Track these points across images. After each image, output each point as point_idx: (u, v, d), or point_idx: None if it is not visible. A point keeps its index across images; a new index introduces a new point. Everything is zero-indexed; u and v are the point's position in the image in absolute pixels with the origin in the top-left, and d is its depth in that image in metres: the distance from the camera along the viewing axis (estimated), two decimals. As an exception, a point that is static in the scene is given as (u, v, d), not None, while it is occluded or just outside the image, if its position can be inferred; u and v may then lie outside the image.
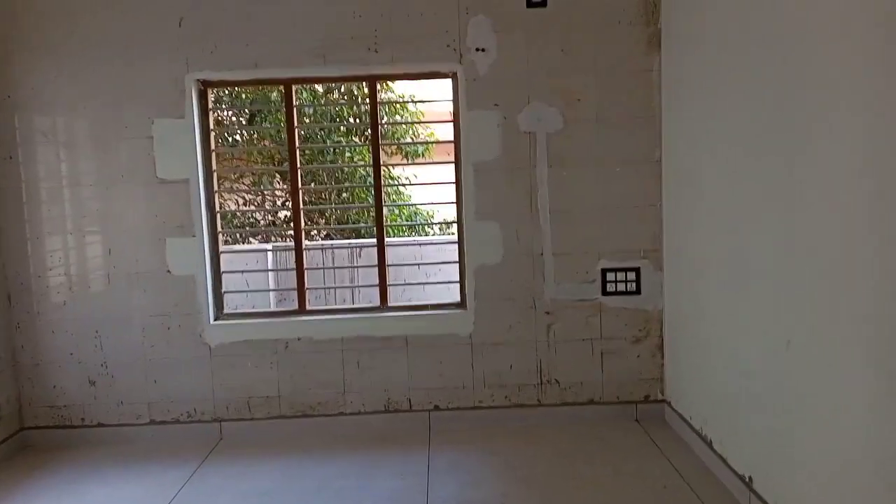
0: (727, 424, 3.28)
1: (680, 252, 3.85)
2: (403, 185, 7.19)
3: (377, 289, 4.22)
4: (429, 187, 4.64)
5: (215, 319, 4.15)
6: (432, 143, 7.53)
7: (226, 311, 4.22)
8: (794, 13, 2.54)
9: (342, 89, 7.76)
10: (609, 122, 4.03)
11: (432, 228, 7.98)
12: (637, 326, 4.13)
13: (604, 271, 4.11)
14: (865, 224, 2.15)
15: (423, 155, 7.70)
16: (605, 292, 4.12)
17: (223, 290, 4.21)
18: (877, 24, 2.07)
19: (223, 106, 7.29)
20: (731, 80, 3.11)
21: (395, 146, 7.59)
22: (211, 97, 4.19)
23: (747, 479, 3.03)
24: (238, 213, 7.88)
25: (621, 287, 4.12)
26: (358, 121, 7.52)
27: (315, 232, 7.94)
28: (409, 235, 7.71)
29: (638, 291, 4.12)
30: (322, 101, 7.74)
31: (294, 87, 4.19)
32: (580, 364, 4.14)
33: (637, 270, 4.12)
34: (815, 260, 2.44)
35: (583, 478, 3.40)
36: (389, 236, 6.25)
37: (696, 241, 3.60)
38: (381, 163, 4.23)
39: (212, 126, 4.19)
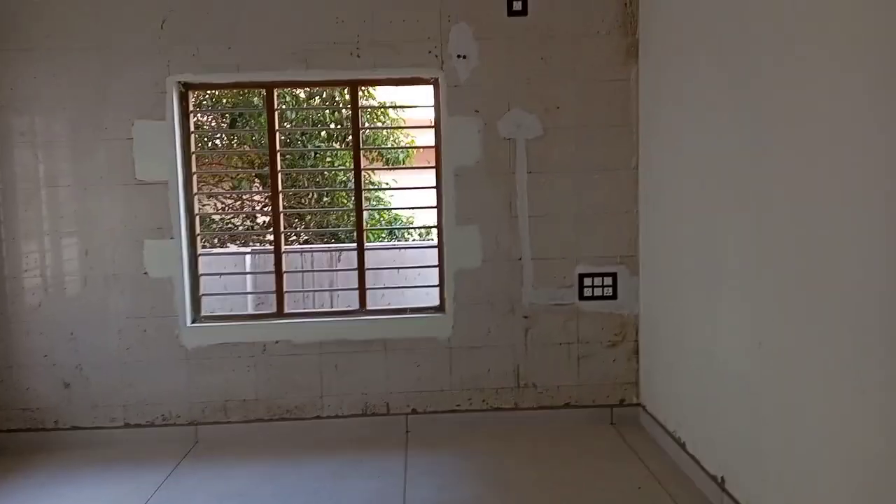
0: (700, 426, 3.33)
1: (655, 257, 3.91)
2: (383, 189, 7.20)
3: (356, 293, 4.23)
4: (409, 192, 4.67)
5: (192, 322, 4.13)
6: (413, 148, 7.57)
7: (203, 314, 4.20)
8: (764, 26, 2.61)
9: (324, 95, 7.77)
10: (587, 130, 4.08)
11: (412, 233, 8.00)
12: (613, 331, 4.19)
13: (581, 276, 4.16)
14: (831, 230, 2.22)
15: (403, 161, 7.74)
16: (582, 297, 4.17)
17: (201, 293, 4.19)
18: (843, 38, 2.14)
19: (204, 109, 7.27)
20: (704, 90, 3.18)
21: (376, 152, 7.63)
22: (192, 100, 4.19)
23: (720, 480, 3.08)
24: (218, 217, 7.84)
25: (598, 292, 4.17)
26: (339, 126, 7.54)
27: (294, 237, 7.93)
28: (389, 240, 7.73)
29: (614, 296, 4.18)
30: (304, 106, 7.75)
31: (276, 91, 4.21)
32: (557, 368, 4.18)
33: (613, 276, 4.17)
34: (785, 264, 2.51)
35: (558, 480, 3.43)
36: (370, 241, 6.27)
37: (670, 246, 3.67)
38: (362, 167, 4.25)
39: (192, 128, 4.19)
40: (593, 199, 4.12)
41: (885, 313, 1.97)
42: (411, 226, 7.37)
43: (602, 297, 4.18)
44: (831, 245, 2.22)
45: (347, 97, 4.35)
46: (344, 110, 7.51)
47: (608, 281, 4.17)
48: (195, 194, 4.19)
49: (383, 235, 7.82)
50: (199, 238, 4.20)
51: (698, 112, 3.25)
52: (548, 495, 3.27)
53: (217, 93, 7.32)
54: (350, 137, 4.31)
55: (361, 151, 4.25)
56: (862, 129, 2.06)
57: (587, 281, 4.17)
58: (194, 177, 4.18)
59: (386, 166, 7.66)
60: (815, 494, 2.35)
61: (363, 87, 5.33)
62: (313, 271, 5.27)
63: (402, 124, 7.36)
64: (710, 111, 3.11)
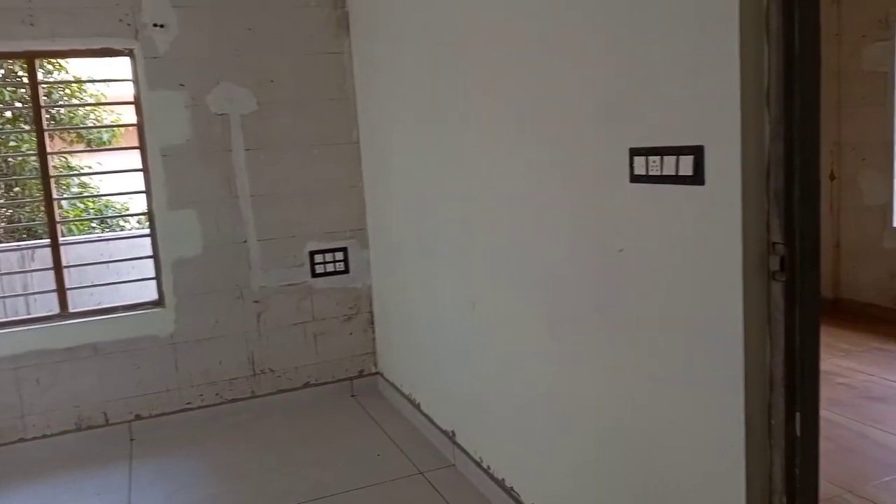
0: (432, 387, 3.49)
1: (381, 229, 3.98)
2: (76, 174, 6.36)
3: (55, 295, 3.71)
4: (115, 176, 4.17)
5: None
6: (116, 127, 6.80)
7: None
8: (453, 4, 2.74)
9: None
10: (305, 104, 3.99)
11: (128, 221, 7.23)
12: (348, 305, 4.20)
13: (311, 253, 4.09)
14: (528, 196, 2.41)
15: (109, 142, 6.92)
16: (314, 274, 4.11)
17: None
18: (519, 20, 2.31)
19: None
20: (409, 62, 3.26)
21: (77, 133, 6.73)
22: None
23: (451, 434, 3.26)
24: None
25: (330, 268, 4.15)
26: (23, 105, 6.51)
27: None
28: (101, 231, 6.90)
29: (346, 271, 4.19)
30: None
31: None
32: (294, 349, 4.09)
33: (344, 250, 4.17)
34: (490, 228, 2.68)
35: (299, 462, 3.37)
36: (72, 234, 5.54)
37: (393, 217, 3.75)
38: (57, 151, 3.70)
39: None
40: (318, 174, 4.06)
41: (576, 278, 2.19)
42: (116, 214, 6.64)
43: (335, 273, 4.17)
44: (528, 210, 2.42)
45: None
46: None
47: (339, 256, 4.17)
48: None
49: (93, 226, 6.96)
50: None
51: (408, 86, 3.33)
52: (288, 479, 3.20)
53: None
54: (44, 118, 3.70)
55: (53, 133, 3.69)
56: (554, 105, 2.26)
57: (318, 258, 4.12)
58: None
59: (88, 148, 6.77)
60: (531, 440, 2.58)
61: (46, 61, 4.65)
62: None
63: (103, 100, 6.54)
64: (419, 85, 3.20)
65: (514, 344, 2.60)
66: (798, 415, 1.61)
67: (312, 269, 4.11)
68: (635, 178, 1.86)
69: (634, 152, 1.85)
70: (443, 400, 3.36)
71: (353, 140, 4.11)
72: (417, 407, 3.66)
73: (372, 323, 4.25)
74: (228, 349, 3.94)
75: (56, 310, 3.71)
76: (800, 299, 1.57)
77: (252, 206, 3.93)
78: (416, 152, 3.32)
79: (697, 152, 1.64)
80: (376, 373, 4.27)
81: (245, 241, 3.94)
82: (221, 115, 3.83)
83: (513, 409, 2.67)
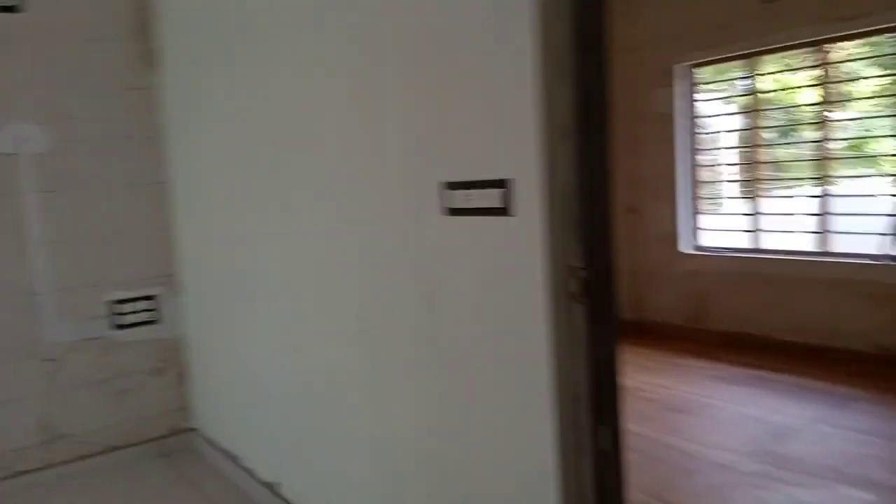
0: (252, 439, 3.31)
1: (197, 276, 3.76)
2: None
3: None
4: None
5: None
6: None
7: None
8: (267, 37, 2.71)
9: None
10: (109, 143, 3.70)
11: None
12: (157, 357, 3.89)
13: (114, 303, 3.76)
14: (346, 234, 2.41)
15: None
16: (118, 326, 3.77)
17: None
18: (346, 59, 2.34)
19: None
20: (223, 99, 3.16)
21: None
22: None
23: (274, 486, 3.10)
24: None
25: (137, 318, 3.83)
26: None
27: None
28: None
29: (156, 320, 3.89)
30: None
31: None
32: (95, 410, 3.69)
33: (153, 299, 3.88)
34: (309, 270, 2.64)
35: (103, 535, 3.03)
36: None
37: (209, 261, 3.57)
38: None
39: None
40: (123, 217, 3.76)
41: (394, 314, 2.21)
42: None
43: (142, 323, 3.85)
44: (348, 253, 2.41)
45: None
46: None
47: (147, 305, 3.87)
48: None
49: None
50: None
51: (223, 124, 3.21)
52: (90, 557, 2.86)
53: None
54: None
55: None
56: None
57: (123, 307, 3.79)
58: None
59: None
60: (355, 483, 2.52)
61: None
62: None
63: None
64: (231, 121, 3.10)
65: (338, 386, 2.55)
66: (604, 428, 1.72)
67: (116, 320, 3.77)
68: (449, 212, 1.92)
69: (447, 187, 1.91)
70: (265, 451, 3.19)
71: (163, 180, 3.88)
72: (237, 461, 3.44)
73: (185, 375, 3.97)
74: (14, 415, 3.48)
75: None
76: (599, 319, 1.69)
77: (45, 254, 3.55)
78: (231, 193, 3.20)
79: (504, 185, 1.74)
80: (191, 429, 3.97)
81: (35, 293, 3.53)
82: (12, 154, 3.45)
83: (337, 454, 2.60)
